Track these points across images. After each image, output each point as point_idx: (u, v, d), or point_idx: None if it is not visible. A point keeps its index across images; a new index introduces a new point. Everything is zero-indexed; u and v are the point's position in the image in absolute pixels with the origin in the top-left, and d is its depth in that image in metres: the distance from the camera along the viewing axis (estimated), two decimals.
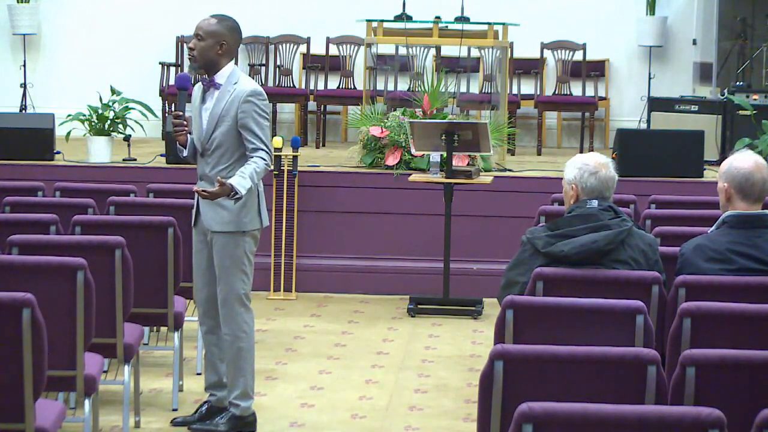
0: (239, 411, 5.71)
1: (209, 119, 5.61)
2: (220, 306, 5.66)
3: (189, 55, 5.66)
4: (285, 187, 8.82)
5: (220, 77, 5.61)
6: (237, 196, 5.46)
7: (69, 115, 9.27)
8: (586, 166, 4.87)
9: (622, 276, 4.66)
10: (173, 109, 11.01)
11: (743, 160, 4.81)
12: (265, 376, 6.71)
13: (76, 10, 12.01)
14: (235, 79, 5.62)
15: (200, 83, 5.71)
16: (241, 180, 5.48)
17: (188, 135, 5.68)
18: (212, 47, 5.58)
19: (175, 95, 10.88)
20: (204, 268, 5.73)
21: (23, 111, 11.38)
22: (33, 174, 8.70)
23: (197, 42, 5.60)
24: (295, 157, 8.80)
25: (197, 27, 5.63)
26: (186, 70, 5.40)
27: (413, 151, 8.57)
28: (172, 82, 11.42)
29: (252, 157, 5.54)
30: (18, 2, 11.77)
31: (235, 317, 5.65)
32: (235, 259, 5.63)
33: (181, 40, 11.66)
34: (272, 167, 5.58)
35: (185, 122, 5.61)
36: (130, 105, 9.26)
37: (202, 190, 5.49)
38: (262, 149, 5.54)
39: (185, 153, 5.72)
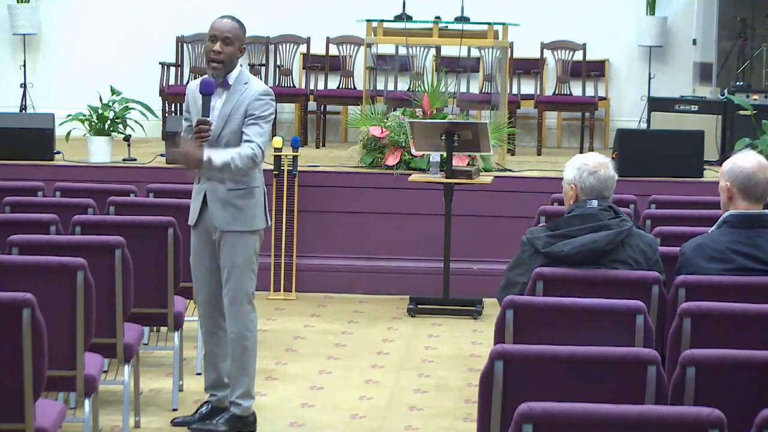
0: (240, 411, 5.71)
1: (218, 118, 5.59)
2: (228, 304, 5.65)
3: (215, 59, 5.53)
4: (285, 187, 8.82)
5: (230, 77, 5.60)
6: (206, 164, 5.45)
7: (69, 115, 9.26)
8: (586, 166, 4.87)
9: (622, 276, 4.66)
10: (173, 111, 11.09)
11: (746, 159, 4.81)
12: (265, 376, 6.71)
13: (76, 10, 12.00)
14: (245, 79, 5.61)
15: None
16: (222, 153, 5.48)
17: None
18: (237, 51, 5.57)
19: (175, 95, 11.03)
20: (206, 269, 5.72)
21: (23, 111, 11.38)
22: (33, 174, 8.69)
23: (225, 47, 5.52)
24: (295, 157, 8.80)
25: (220, 30, 5.54)
26: (206, 74, 5.34)
27: (413, 151, 8.56)
28: (172, 82, 11.43)
29: (243, 144, 5.54)
30: (18, 2, 11.77)
31: (242, 316, 5.65)
32: (246, 258, 5.63)
33: (181, 40, 11.66)
34: (258, 165, 5.56)
35: (209, 127, 5.58)
36: (130, 105, 9.26)
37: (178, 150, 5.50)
38: (257, 144, 5.52)
39: None
